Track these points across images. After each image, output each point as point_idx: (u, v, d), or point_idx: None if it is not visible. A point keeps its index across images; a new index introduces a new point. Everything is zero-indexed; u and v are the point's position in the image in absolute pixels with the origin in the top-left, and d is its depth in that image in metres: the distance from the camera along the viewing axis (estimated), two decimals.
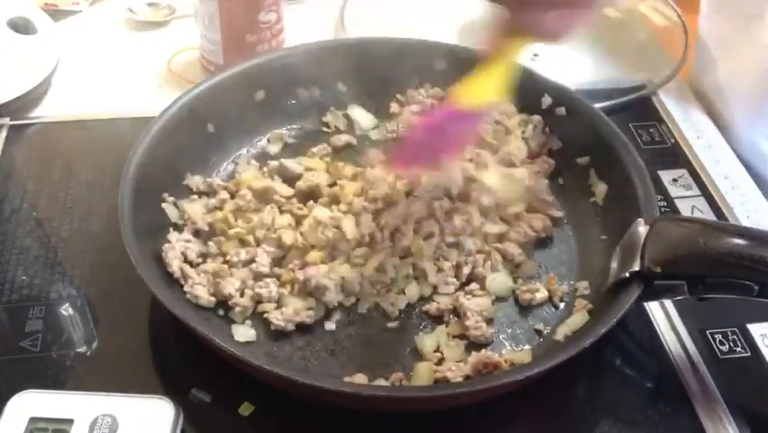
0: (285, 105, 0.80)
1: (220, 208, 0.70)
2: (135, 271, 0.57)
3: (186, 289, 0.63)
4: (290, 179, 0.73)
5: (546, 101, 0.76)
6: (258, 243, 0.67)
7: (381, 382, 0.59)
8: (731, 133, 0.87)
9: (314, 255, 0.65)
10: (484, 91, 0.62)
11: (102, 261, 0.68)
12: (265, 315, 0.63)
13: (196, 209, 0.69)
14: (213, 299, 0.63)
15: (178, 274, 0.64)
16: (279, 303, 0.64)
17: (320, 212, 0.68)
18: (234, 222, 0.68)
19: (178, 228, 0.68)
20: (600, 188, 0.71)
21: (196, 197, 0.71)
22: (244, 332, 0.62)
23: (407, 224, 0.67)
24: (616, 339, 0.63)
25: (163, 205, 0.69)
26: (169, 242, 0.66)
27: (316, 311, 0.63)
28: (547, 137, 0.77)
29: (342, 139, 0.79)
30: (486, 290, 0.66)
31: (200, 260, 0.66)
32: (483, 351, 0.61)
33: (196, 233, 0.68)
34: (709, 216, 0.75)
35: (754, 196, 0.79)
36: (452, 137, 0.64)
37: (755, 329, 0.65)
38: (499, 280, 0.67)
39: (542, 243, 0.71)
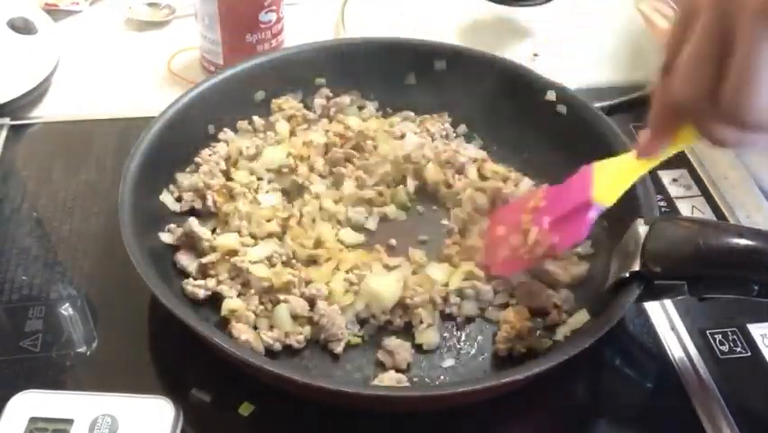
0: None
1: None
2: (135, 271, 0.57)
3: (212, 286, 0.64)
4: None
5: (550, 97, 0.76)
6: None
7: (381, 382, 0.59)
8: None
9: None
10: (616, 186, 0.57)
11: (102, 261, 0.68)
12: (256, 329, 0.62)
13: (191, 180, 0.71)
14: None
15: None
16: (271, 320, 0.62)
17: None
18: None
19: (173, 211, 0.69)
20: None
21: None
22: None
23: None
24: (616, 339, 0.63)
25: (161, 197, 0.69)
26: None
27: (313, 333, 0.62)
28: None
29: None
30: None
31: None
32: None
33: (192, 210, 0.69)
34: (709, 216, 0.75)
35: (754, 196, 0.79)
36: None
37: (755, 329, 0.65)
38: None
39: None
